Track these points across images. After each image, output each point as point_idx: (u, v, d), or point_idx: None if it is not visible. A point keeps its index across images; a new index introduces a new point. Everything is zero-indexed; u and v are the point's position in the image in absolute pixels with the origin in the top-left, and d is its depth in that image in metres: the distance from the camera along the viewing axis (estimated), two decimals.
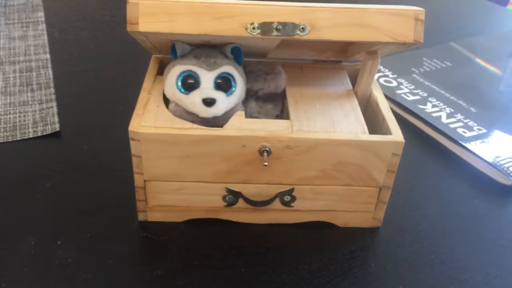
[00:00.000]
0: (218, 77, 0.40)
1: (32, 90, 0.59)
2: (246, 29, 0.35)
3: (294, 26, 0.35)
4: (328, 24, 0.36)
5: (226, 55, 0.41)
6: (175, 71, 0.40)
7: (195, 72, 0.39)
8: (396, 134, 0.39)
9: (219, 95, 0.39)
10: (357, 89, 0.44)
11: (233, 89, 0.40)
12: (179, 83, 0.40)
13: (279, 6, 0.35)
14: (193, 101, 0.39)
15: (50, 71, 0.63)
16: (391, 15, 0.36)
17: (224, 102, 0.39)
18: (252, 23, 0.35)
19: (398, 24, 0.36)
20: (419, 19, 0.36)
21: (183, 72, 0.40)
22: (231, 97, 0.40)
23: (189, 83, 0.39)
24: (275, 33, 0.35)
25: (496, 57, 0.73)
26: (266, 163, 0.37)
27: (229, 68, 0.40)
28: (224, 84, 0.40)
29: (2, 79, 0.61)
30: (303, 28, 0.35)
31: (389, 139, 0.38)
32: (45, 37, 0.71)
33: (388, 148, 0.38)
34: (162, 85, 0.41)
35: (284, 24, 0.35)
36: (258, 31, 0.35)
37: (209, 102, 0.38)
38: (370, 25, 0.36)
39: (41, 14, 0.78)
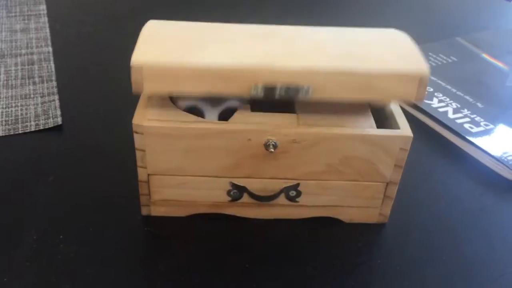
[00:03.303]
0: (223, 112, 0.39)
1: (34, 83, 0.58)
2: (250, 90, 0.35)
3: (297, 88, 0.35)
4: (331, 86, 0.36)
5: None
6: (180, 106, 0.39)
7: (199, 108, 0.39)
8: (404, 129, 0.38)
9: None
10: None
11: None
12: None
13: (282, 69, 0.35)
14: None
15: (52, 64, 0.62)
16: (396, 78, 0.36)
17: None
18: (256, 86, 0.35)
19: (402, 86, 0.36)
20: (424, 80, 0.36)
21: (188, 107, 0.39)
22: None
23: None
24: (278, 95, 0.35)
25: (502, 53, 0.72)
26: (273, 150, 0.36)
27: (233, 103, 0.39)
28: (228, 117, 0.39)
29: (4, 72, 0.60)
30: (306, 90, 0.35)
31: (397, 134, 0.38)
32: (47, 30, 0.71)
33: (396, 142, 0.38)
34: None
35: (287, 88, 0.35)
36: (262, 93, 0.35)
37: None
38: (373, 87, 0.36)
39: (43, 7, 0.77)
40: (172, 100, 0.40)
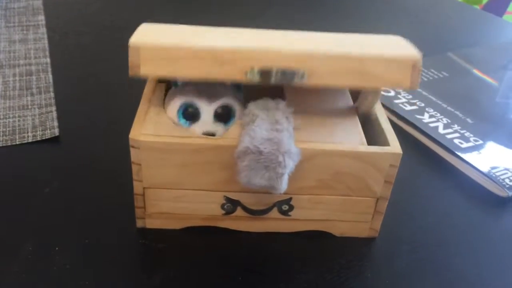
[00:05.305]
0: (218, 108, 0.40)
1: (32, 94, 0.59)
2: (246, 74, 0.36)
3: (293, 73, 0.36)
4: (326, 71, 0.36)
5: (226, 85, 0.41)
6: (176, 103, 0.40)
7: (195, 104, 0.40)
8: (394, 146, 0.39)
9: (218, 128, 0.39)
10: (358, 107, 0.45)
11: (233, 120, 0.40)
12: (180, 115, 0.40)
13: (278, 52, 0.35)
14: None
15: (50, 75, 0.63)
16: (390, 63, 0.37)
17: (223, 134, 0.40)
18: (252, 69, 0.35)
19: (396, 72, 0.37)
20: (417, 67, 0.37)
21: (184, 104, 0.40)
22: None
23: (190, 114, 0.40)
24: (273, 79, 0.36)
25: (492, 68, 0.74)
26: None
27: (229, 100, 0.40)
28: (224, 115, 0.40)
29: (1, 83, 0.61)
30: (302, 75, 0.36)
31: (387, 151, 0.39)
32: (46, 41, 0.71)
33: (386, 159, 0.39)
34: (164, 110, 0.42)
35: (283, 72, 0.36)
36: (257, 77, 0.36)
37: (209, 135, 0.39)
38: (368, 72, 0.37)
39: (41, 18, 0.78)
40: (169, 99, 0.41)
